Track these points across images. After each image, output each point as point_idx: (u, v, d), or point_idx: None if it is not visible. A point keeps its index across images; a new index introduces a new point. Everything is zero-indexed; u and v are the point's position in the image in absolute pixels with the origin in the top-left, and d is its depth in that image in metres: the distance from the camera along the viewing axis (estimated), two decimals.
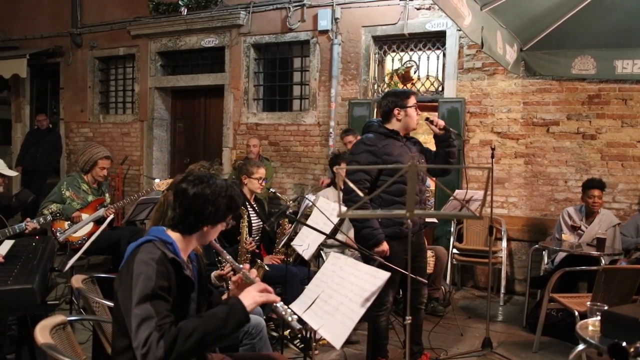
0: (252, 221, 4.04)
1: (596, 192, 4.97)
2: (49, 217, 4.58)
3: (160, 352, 1.69)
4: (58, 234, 4.73)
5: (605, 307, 2.25)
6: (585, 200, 5.05)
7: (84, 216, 4.82)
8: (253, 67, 7.71)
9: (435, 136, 3.53)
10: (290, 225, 3.77)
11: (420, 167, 1.76)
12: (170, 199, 2.41)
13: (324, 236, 2.90)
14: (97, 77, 9.19)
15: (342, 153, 4.86)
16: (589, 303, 2.36)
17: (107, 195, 5.20)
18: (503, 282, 5.64)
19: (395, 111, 3.44)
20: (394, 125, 3.46)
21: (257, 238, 4.09)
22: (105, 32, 8.89)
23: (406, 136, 3.52)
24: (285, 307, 1.97)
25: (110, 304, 2.73)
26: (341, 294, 2.15)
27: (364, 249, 2.77)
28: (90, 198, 5.00)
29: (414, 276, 2.47)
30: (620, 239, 5.05)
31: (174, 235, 2.04)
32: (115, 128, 8.96)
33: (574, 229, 4.99)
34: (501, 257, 5.72)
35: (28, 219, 4.07)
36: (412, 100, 3.42)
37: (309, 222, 3.16)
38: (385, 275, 2.01)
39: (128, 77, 9.02)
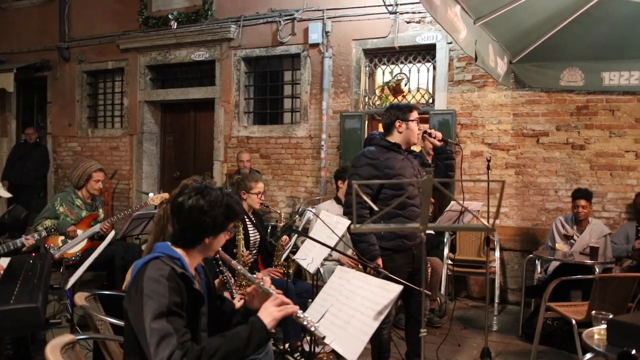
0: (250, 234, 4.04)
1: (582, 202, 5.06)
2: (44, 233, 4.53)
3: None
4: (52, 250, 4.67)
5: (611, 316, 2.28)
6: (573, 210, 5.14)
7: (79, 231, 4.78)
8: (244, 80, 7.73)
9: (434, 149, 3.57)
10: (288, 238, 3.77)
11: (436, 183, 1.77)
12: (170, 213, 2.41)
13: (328, 249, 2.91)
14: (86, 91, 9.14)
15: (349, 167, 4.89)
16: (593, 312, 2.39)
17: (100, 210, 5.17)
18: (497, 292, 5.68)
19: (397, 123, 3.47)
20: (395, 138, 3.48)
21: (254, 251, 4.08)
22: (94, 45, 8.85)
23: (407, 150, 3.55)
24: (306, 315, 1.97)
25: (115, 321, 2.72)
26: (352, 308, 2.15)
27: (369, 263, 2.78)
28: (84, 213, 4.96)
29: (420, 289, 2.47)
30: (612, 247, 5.13)
31: (179, 251, 2.03)
32: (104, 142, 8.90)
33: (567, 238, 5.06)
34: (494, 267, 5.77)
35: (24, 236, 4.02)
36: (415, 115, 3.45)
37: (312, 234, 3.16)
38: (397, 288, 2.02)
39: (117, 90, 8.98)
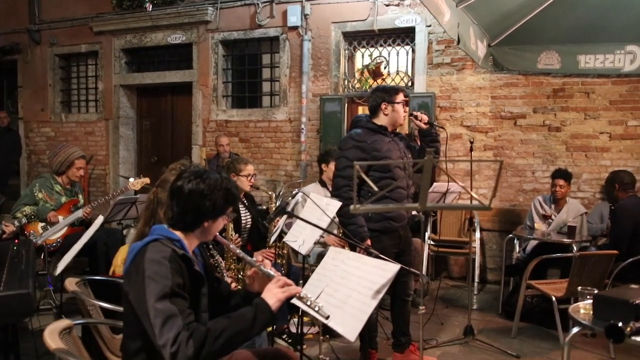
0: (241, 217, 4.04)
1: (561, 182, 5.18)
2: (24, 220, 4.47)
3: (190, 351, 1.69)
4: (32, 237, 4.59)
5: (596, 291, 2.37)
6: (551, 189, 5.26)
7: (59, 217, 4.71)
8: (222, 63, 7.65)
9: (420, 131, 3.61)
10: (278, 220, 3.78)
11: (435, 161, 1.80)
12: (160, 196, 2.40)
13: (319, 231, 2.94)
14: (58, 74, 8.94)
15: (332, 150, 4.89)
16: (580, 288, 2.47)
17: (80, 196, 5.09)
18: (477, 272, 5.80)
19: (383, 106, 3.48)
20: (381, 120, 3.51)
21: (245, 235, 4.09)
22: (66, 28, 8.63)
23: (393, 132, 3.58)
24: (309, 296, 1.99)
25: (108, 305, 2.71)
26: (348, 288, 2.18)
27: (359, 244, 2.81)
28: (63, 199, 4.88)
29: (409, 269, 2.52)
30: (587, 226, 5.27)
31: (178, 233, 2.03)
32: (78, 127, 8.73)
33: (545, 217, 5.18)
34: (474, 247, 5.87)
35: (4, 222, 3.95)
36: (400, 97, 3.47)
37: (302, 216, 3.17)
38: (395, 267, 2.05)
39: (91, 74, 8.80)
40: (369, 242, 3.33)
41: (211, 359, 1.77)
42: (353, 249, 3.28)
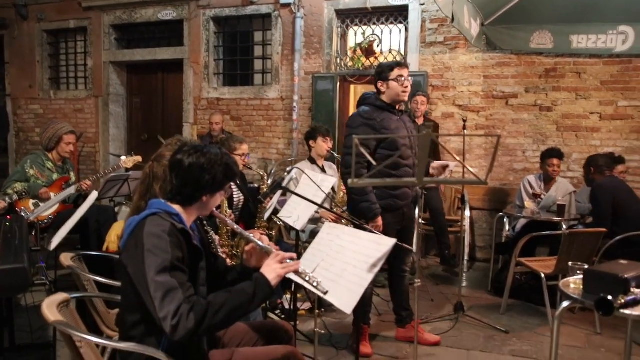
0: (234, 195, 4.04)
1: (555, 161, 5.21)
2: (15, 197, 4.44)
3: (191, 324, 1.71)
4: (23, 213, 4.57)
5: (586, 266, 2.41)
6: (545, 169, 5.29)
7: (51, 194, 4.69)
8: (213, 40, 7.58)
9: None
10: (271, 197, 3.78)
11: (434, 137, 1.82)
12: (156, 170, 2.39)
13: (314, 207, 2.95)
14: (46, 51, 8.79)
15: (319, 127, 4.88)
16: (570, 263, 2.52)
17: (72, 173, 5.06)
18: (467, 250, 5.86)
19: (379, 84, 3.49)
20: (385, 98, 3.51)
21: (237, 213, 4.10)
22: (54, 3, 8.47)
23: (400, 111, 3.57)
24: (307, 271, 2.01)
25: (104, 280, 2.72)
26: (343, 262, 2.20)
27: (356, 219, 2.83)
28: (55, 176, 4.85)
29: (402, 244, 2.54)
30: (575, 205, 5.34)
31: (176, 207, 2.03)
32: (67, 104, 8.63)
33: (535, 196, 5.23)
34: (464, 225, 5.92)
35: None
36: (396, 72, 3.43)
37: (297, 192, 3.18)
38: (390, 241, 2.08)
39: (80, 51, 8.67)
40: (380, 219, 3.36)
41: (211, 332, 1.78)
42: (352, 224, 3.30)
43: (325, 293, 1.95)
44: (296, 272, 1.98)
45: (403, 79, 3.42)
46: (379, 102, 3.50)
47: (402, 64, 3.47)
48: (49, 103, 8.77)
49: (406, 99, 3.49)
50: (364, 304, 3.62)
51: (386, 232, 3.22)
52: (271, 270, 1.95)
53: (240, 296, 1.86)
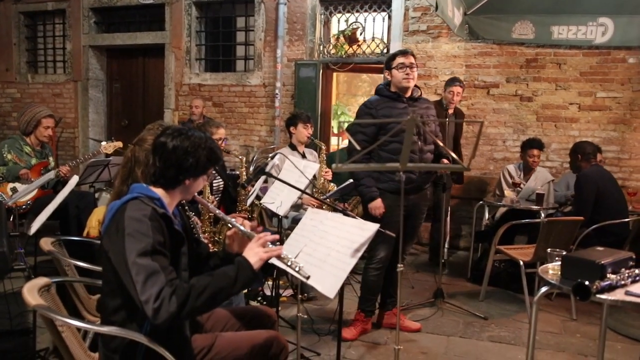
0: (213, 181, 4.03)
1: (535, 152, 5.28)
2: None
3: (173, 307, 1.70)
4: (0, 199, 4.51)
5: (564, 253, 2.46)
6: (525, 159, 5.35)
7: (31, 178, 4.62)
8: (195, 25, 7.50)
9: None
10: (253, 183, 3.78)
11: (418, 121, 1.83)
12: (138, 154, 2.37)
13: (297, 193, 2.96)
14: (23, 33, 8.61)
15: (300, 113, 4.87)
16: (549, 250, 2.56)
17: (51, 158, 4.99)
18: (447, 238, 5.92)
19: (386, 74, 3.56)
20: (392, 86, 3.56)
21: (217, 198, 4.08)
22: None
23: (412, 98, 3.57)
24: (289, 256, 2.01)
25: (85, 264, 2.70)
26: (326, 247, 2.21)
27: (337, 206, 2.85)
28: (33, 161, 4.78)
29: (384, 231, 2.55)
30: (553, 194, 5.42)
31: (158, 191, 2.01)
32: (45, 88, 8.48)
33: (515, 185, 5.30)
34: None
35: None
36: (398, 60, 3.47)
37: (281, 177, 3.18)
38: (373, 227, 2.09)
39: (58, 34, 8.50)
40: (378, 201, 3.45)
41: (193, 315, 1.77)
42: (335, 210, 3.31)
43: (308, 278, 1.96)
44: (278, 257, 1.98)
45: (404, 66, 3.45)
46: (386, 92, 3.56)
47: (405, 52, 3.52)
48: (26, 87, 8.60)
49: (409, 85, 3.49)
50: (364, 290, 3.72)
51: (392, 213, 3.32)
52: (253, 253, 1.94)
53: (223, 279, 1.85)
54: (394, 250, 3.78)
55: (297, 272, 1.95)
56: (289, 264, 1.97)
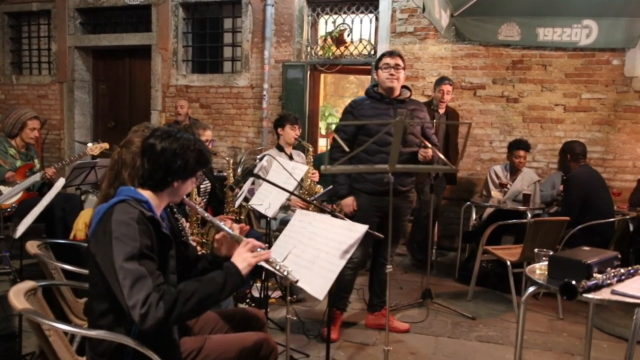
0: (201, 183, 4.01)
1: (522, 153, 5.32)
2: None
3: (161, 313, 1.69)
4: None
5: (551, 253, 2.48)
6: (511, 160, 5.39)
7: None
8: (182, 27, 7.46)
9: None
10: (241, 185, 3.77)
11: (407, 123, 1.84)
12: (125, 157, 2.35)
13: (286, 194, 2.95)
14: (7, 34, 8.52)
15: (288, 114, 4.86)
16: (536, 250, 2.59)
17: (36, 160, 4.94)
18: (435, 239, 5.95)
19: (375, 74, 3.63)
20: (379, 86, 3.60)
21: (205, 200, 4.07)
22: None
23: (398, 99, 3.57)
24: (278, 260, 2.00)
25: (71, 267, 2.67)
26: (315, 248, 2.22)
27: (325, 207, 2.85)
28: (18, 163, 4.73)
29: (373, 232, 2.56)
30: (539, 194, 5.47)
31: (146, 194, 1.99)
32: (30, 90, 8.40)
33: (502, 186, 5.33)
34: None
35: None
36: (383, 60, 3.51)
37: (269, 179, 3.17)
38: (362, 228, 2.10)
39: (43, 35, 8.42)
40: (349, 199, 3.51)
41: (180, 321, 1.76)
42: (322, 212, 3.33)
43: (296, 282, 1.95)
44: (267, 261, 1.97)
45: (389, 66, 3.48)
46: (372, 92, 3.61)
47: (392, 53, 3.56)
48: (10, 88, 8.51)
49: (392, 85, 3.50)
50: (339, 288, 3.68)
51: (365, 214, 3.36)
52: (242, 259, 1.93)
53: (211, 285, 1.84)
54: (377, 252, 3.80)
55: (286, 275, 1.94)
56: (277, 267, 1.96)
